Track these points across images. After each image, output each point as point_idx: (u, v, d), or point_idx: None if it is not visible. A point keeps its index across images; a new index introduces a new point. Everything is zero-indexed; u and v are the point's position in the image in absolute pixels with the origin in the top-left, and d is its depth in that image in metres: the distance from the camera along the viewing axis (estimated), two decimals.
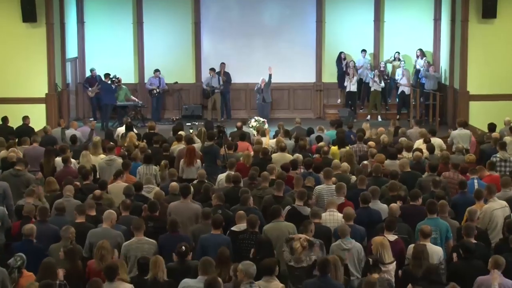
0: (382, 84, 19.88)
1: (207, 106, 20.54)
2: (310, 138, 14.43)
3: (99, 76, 19.80)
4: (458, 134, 14.39)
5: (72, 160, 12.08)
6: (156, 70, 20.36)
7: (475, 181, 10.48)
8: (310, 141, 14.20)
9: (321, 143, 13.24)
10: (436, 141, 13.59)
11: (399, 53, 20.55)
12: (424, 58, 20.34)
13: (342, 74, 20.39)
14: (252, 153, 12.75)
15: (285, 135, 14.13)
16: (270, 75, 19.27)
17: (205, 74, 20.81)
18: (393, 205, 9.02)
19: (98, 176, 11.79)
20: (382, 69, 20.28)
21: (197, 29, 21.09)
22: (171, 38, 21.03)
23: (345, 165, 11.39)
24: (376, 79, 19.81)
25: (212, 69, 20.29)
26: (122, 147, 13.41)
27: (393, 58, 20.64)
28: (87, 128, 15.02)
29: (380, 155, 11.98)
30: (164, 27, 21.03)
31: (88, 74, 20.67)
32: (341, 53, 20.66)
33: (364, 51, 20.63)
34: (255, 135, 15.21)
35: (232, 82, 20.78)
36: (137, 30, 20.99)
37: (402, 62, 20.23)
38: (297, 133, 14.74)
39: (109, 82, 19.13)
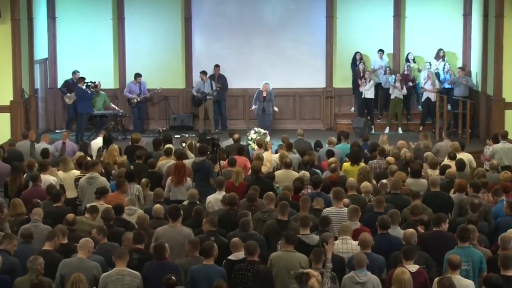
0: (404, 90, 19.86)
1: (198, 116, 20.59)
2: (319, 153, 14.40)
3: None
4: (502, 148, 14.30)
5: (49, 177, 12.08)
6: (138, 75, 20.37)
7: (505, 203, 10.43)
8: (319, 156, 14.17)
9: (332, 159, 13.26)
10: (464, 156, 13.55)
11: (411, 53, 20.58)
12: (445, 59, 20.38)
13: (356, 78, 20.49)
14: (249, 170, 12.77)
15: (288, 149, 14.14)
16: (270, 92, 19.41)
17: (197, 78, 20.84)
18: (408, 230, 9.04)
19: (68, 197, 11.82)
20: (406, 72, 20.30)
21: (188, 26, 21.11)
22: (158, 36, 21.06)
23: (367, 185, 11.38)
24: (398, 84, 19.78)
25: (203, 72, 20.30)
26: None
27: (407, 61, 20.63)
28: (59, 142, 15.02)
29: (401, 173, 11.97)
30: (149, 23, 21.07)
31: (62, 77, 20.72)
32: (356, 53, 20.73)
33: (381, 51, 20.68)
34: (255, 149, 15.23)
35: (228, 87, 20.82)
36: (117, 27, 21.03)
37: (427, 64, 20.25)
38: (300, 146, 14.76)
39: (85, 87, 19.11)
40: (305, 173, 12.21)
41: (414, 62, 20.52)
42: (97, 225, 9.60)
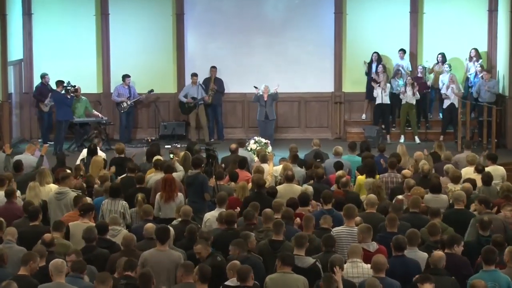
0: (417, 95, 19.86)
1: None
2: (325, 165, 14.47)
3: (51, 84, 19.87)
4: None
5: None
6: (126, 76, 20.43)
7: None
8: (325, 168, 14.21)
9: (340, 172, 13.25)
10: (497, 170, 13.50)
11: (443, 54, 20.54)
12: (480, 61, 20.38)
13: (371, 81, 20.59)
14: (250, 185, 12.78)
15: (293, 161, 14.19)
16: (276, 93, 19.42)
17: (190, 80, 20.76)
18: (436, 252, 9.00)
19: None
20: (419, 75, 20.31)
21: (180, 23, 21.15)
22: (146, 34, 21.12)
23: (373, 199, 11.36)
24: (408, 88, 19.82)
25: (195, 75, 20.28)
26: (80, 177, 13.40)
27: (436, 62, 20.66)
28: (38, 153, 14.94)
29: (419, 188, 11.90)
30: (136, 20, 21.12)
31: (38, 80, 20.65)
32: (373, 54, 20.75)
33: (402, 50, 20.70)
34: (255, 160, 15.28)
35: (225, 91, 20.83)
36: (101, 24, 21.09)
37: (446, 67, 20.21)
38: (309, 158, 14.77)
39: (63, 91, 19.07)
40: (308, 188, 12.15)
41: (444, 64, 20.43)
42: (73, 249, 9.51)
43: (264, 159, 14.46)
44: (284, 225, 9.84)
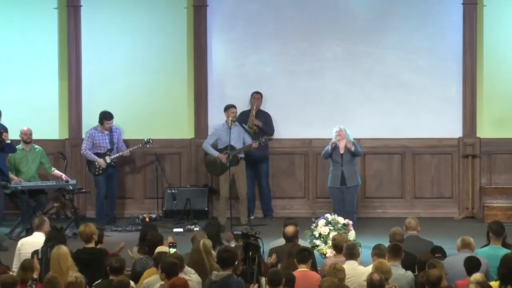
0: None
1: (218, 190, 20.37)
2: (447, 264, 14.17)
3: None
4: None
5: None
6: (106, 116, 20.23)
7: None
8: (446, 270, 13.98)
9: (476, 276, 12.82)
10: None
11: None
12: None
13: None
14: None
15: (393, 256, 14.00)
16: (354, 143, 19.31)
17: (215, 117, 20.48)
18: None
19: None
20: None
21: (200, 20, 21.30)
22: (144, 40, 21.34)
23: None
24: None
25: (232, 107, 19.93)
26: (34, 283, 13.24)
27: None
28: None
29: None
30: (127, 16, 21.41)
31: None
32: None
33: None
34: (327, 255, 15.53)
35: (273, 135, 20.88)
36: (67, 23, 21.37)
37: None
38: (414, 250, 14.71)
39: None
40: None
41: None
42: None
43: (351, 252, 14.05)
44: None
